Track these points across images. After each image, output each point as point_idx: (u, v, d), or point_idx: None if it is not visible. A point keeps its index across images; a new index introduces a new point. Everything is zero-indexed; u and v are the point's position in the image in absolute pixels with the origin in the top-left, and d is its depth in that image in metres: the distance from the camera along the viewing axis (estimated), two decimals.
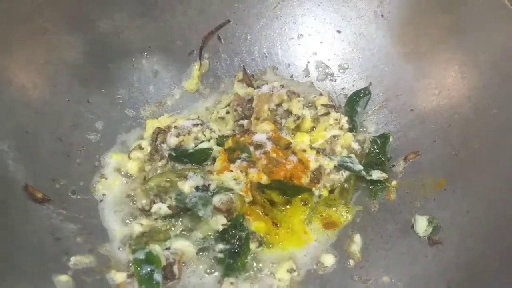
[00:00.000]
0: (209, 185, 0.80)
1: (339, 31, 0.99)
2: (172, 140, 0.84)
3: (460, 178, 0.78)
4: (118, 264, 0.74)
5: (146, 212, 0.78)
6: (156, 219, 0.78)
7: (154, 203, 0.78)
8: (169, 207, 0.77)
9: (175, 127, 0.87)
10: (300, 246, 0.81)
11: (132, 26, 0.95)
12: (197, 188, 0.79)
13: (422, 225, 0.76)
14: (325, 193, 0.85)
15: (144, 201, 0.78)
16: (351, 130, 0.92)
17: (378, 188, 0.86)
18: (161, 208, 0.77)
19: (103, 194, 0.82)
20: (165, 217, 0.78)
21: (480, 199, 0.74)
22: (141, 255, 0.71)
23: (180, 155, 0.84)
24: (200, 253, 0.77)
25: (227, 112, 0.96)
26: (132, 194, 0.81)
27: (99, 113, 0.91)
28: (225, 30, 1.01)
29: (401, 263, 0.74)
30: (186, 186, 0.78)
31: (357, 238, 0.80)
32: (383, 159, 0.87)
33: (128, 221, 0.79)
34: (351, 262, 0.77)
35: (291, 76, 1.02)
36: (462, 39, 0.85)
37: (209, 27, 1.01)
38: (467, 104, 0.83)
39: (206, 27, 1.00)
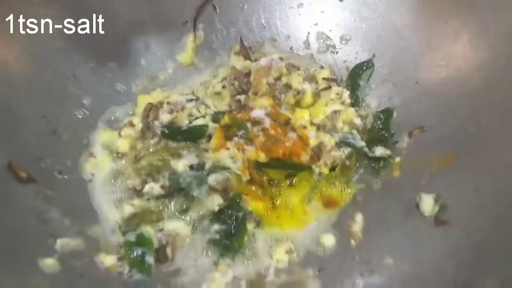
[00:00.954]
0: (204, 163, 0.76)
1: (341, 0, 0.94)
2: (165, 117, 0.80)
3: (469, 154, 0.74)
4: (108, 246, 0.70)
5: (138, 192, 0.74)
6: (148, 199, 0.74)
7: (146, 182, 0.74)
8: (162, 187, 0.74)
9: (168, 103, 0.83)
10: (300, 227, 0.78)
11: None
12: (191, 167, 0.75)
13: (428, 204, 0.72)
14: (325, 171, 0.81)
15: (135, 181, 0.74)
16: (353, 105, 0.87)
17: (381, 165, 0.82)
18: (154, 188, 0.73)
19: (92, 174, 0.78)
20: (158, 198, 0.74)
21: (490, 176, 0.70)
22: (132, 237, 0.68)
23: (174, 133, 0.79)
24: (195, 234, 0.73)
25: (223, 87, 0.91)
26: (123, 174, 0.77)
27: (87, 88, 0.86)
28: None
29: (405, 244, 0.70)
30: (180, 165, 0.74)
31: (359, 217, 0.77)
32: (386, 135, 0.83)
33: (118, 201, 0.75)
34: (352, 242, 0.74)
35: (291, 48, 0.97)
36: (473, 10, 0.80)
37: None
38: (476, 76, 0.78)
39: None
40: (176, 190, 0.74)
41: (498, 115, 0.74)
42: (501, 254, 0.62)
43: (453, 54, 0.82)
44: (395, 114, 0.85)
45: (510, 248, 0.61)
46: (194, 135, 0.80)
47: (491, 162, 0.71)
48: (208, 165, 0.76)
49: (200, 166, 0.76)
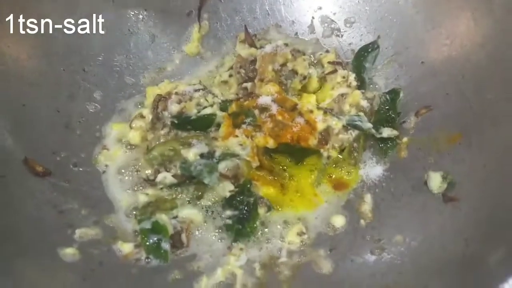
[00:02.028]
0: (214, 151, 0.78)
1: None
2: (174, 107, 0.81)
3: (475, 131, 0.74)
4: (125, 234, 0.72)
5: (151, 182, 0.76)
6: (161, 188, 0.76)
7: (159, 172, 0.76)
8: (174, 176, 0.75)
9: (176, 93, 0.84)
10: (311, 209, 0.79)
11: None
12: (201, 155, 0.77)
13: (436, 181, 0.73)
14: (334, 154, 0.82)
15: (148, 171, 0.76)
16: (359, 87, 0.88)
17: (388, 145, 0.83)
18: (166, 177, 0.75)
19: (106, 165, 0.80)
20: (171, 186, 0.76)
21: (497, 152, 0.70)
22: (147, 225, 0.70)
23: (183, 122, 0.81)
24: (208, 221, 0.75)
25: (230, 75, 0.93)
26: (135, 164, 0.79)
27: (97, 82, 0.88)
28: None
29: (414, 221, 0.71)
30: (191, 154, 0.76)
31: (368, 198, 0.78)
32: (393, 115, 0.84)
33: (133, 191, 0.77)
34: (362, 222, 0.75)
35: (296, 34, 0.98)
36: None
37: None
38: (481, 52, 0.78)
39: None
40: (188, 178, 0.75)
41: (502, 92, 0.74)
42: (508, 226, 0.62)
43: (457, 32, 0.82)
44: (401, 94, 0.86)
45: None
46: (203, 124, 0.81)
47: (497, 138, 0.71)
48: (218, 153, 0.77)
49: (210, 155, 0.77)
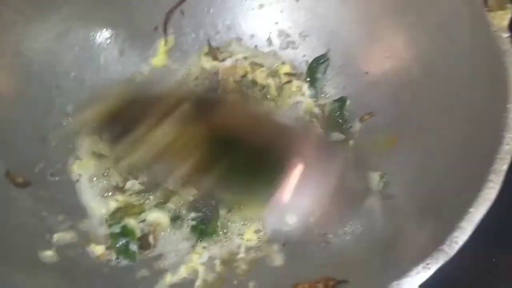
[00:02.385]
0: None
1: (297, 0, 1.02)
2: None
3: (410, 136, 0.83)
4: (97, 237, 0.80)
5: (120, 189, 0.84)
6: (130, 194, 0.84)
7: (128, 180, 0.83)
8: (142, 183, 0.83)
9: None
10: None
11: (95, 8, 0.97)
12: None
13: (374, 181, 0.82)
14: None
15: (117, 179, 0.84)
16: (313, 96, 0.97)
17: None
18: (134, 184, 0.82)
19: (79, 174, 0.87)
20: (139, 192, 0.84)
21: (427, 155, 0.79)
22: (116, 229, 0.78)
23: None
24: (174, 223, 0.83)
25: (196, 86, 1.00)
26: (105, 173, 0.86)
27: (70, 96, 0.94)
28: (187, 5, 1.04)
29: (355, 217, 0.80)
30: None
31: None
32: (340, 121, 0.93)
33: (103, 198, 0.85)
34: (312, 218, 0.84)
35: (255, 46, 1.05)
36: (411, 2, 0.88)
37: (172, 2, 1.03)
38: (417, 66, 0.87)
39: (169, 1, 1.02)
40: (154, 184, 0.83)
41: (434, 103, 0.83)
42: (430, 216, 0.71)
43: (396, 46, 0.91)
44: (348, 102, 0.95)
45: (437, 211, 0.70)
46: None
47: (428, 143, 0.80)
48: None
49: None
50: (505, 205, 0.58)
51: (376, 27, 0.94)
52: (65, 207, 0.83)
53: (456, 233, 0.56)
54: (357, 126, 0.92)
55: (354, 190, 0.86)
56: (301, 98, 0.96)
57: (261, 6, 1.04)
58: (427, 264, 0.56)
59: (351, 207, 0.83)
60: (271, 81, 0.97)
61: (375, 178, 0.82)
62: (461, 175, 0.69)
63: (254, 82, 0.97)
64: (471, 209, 0.57)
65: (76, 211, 0.83)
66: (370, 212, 0.79)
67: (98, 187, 0.86)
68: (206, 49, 1.03)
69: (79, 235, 0.80)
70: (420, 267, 0.57)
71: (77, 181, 0.87)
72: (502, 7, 0.75)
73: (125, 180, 0.84)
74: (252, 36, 1.06)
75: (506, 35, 0.72)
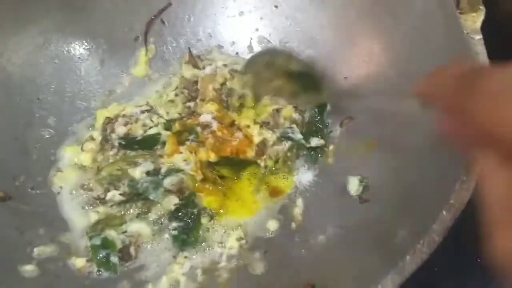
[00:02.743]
0: (160, 168, 0.86)
1: (276, 6, 1.03)
2: (120, 129, 0.89)
3: (388, 139, 0.84)
4: (78, 250, 0.80)
5: (101, 200, 0.84)
6: (112, 205, 0.84)
7: (109, 191, 0.84)
8: (123, 193, 0.83)
9: (123, 115, 0.92)
10: (250, 215, 0.88)
11: (74, 20, 0.98)
12: (148, 173, 0.85)
13: (353, 185, 0.83)
14: (270, 163, 0.91)
15: (99, 190, 0.84)
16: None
17: (318, 153, 0.92)
18: (115, 195, 0.83)
19: (60, 187, 0.87)
20: (120, 203, 0.84)
21: (405, 159, 0.80)
22: (97, 241, 0.78)
23: (129, 143, 0.89)
24: (156, 233, 0.83)
25: (176, 95, 1.01)
26: (86, 185, 0.86)
27: (51, 109, 0.95)
28: (168, 14, 1.05)
29: (334, 221, 0.81)
30: (137, 172, 0.84)
31: (299, 202, 0.87)
32: (321, 126, 0.93)
33: (84, 210, 0.84)
34: (293, 225, 0.85)
35: (237, 53, 1.06)
36: (386, 7, 0.89)
37: (152, 11, 1.03)
38: (394, 69, 0.88)
39: (149, 11, 1.03)
40: (135, 195, 0.84)
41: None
42: (408, 219, 0.71)
43: (374, 50, 0.92)
44: (328, 107, 0.95)
45: (414, 213, 0.70)
46: (148, 144, 0.89)
47: (406, 147, 0.81)
48: (163, 170, 0.86)
49: (156, 171, 0.85)
50: None
51: (354, 32, 0.95)
52: (46, 220, 0.83)
53: (429, 236, 0.57)
54: (337, 130, 0.92)
55: (333, 194, 0.86)
56: (280, 105, 0.96)
57: (241, 13, 1.05)
58: (402, 267, 0.57)
59: (330, 211, 0.84)
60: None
61: (354, 182, 0.83)
62: (435, 176, 0.69)
63: (232, 90, 0.97)
64: (444, 212, 0.57)
65: (57, 224, 0.83)
66: (347, 218, 0.80)
67: (79, 199, 0.86)
68: (186, 58, 1.02)
69: (60, 248, 0.80)
70: (396, 270, 0.57)
71: (58, 193, 0.87)
72: (474, 9, 0.76)
73: (106, 191, 0.84)
74: (233, 43, 1.06)
75: (478, 37, 0.73)
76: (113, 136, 0.89)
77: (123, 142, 0.87)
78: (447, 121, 0.41)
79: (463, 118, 0.37)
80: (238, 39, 1.06)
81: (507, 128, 0.31)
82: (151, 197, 0.81)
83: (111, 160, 0.87)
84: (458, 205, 0.57)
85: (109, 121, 0.90)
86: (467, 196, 0.58)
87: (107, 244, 0.78)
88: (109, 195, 0.82)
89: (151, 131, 0.90)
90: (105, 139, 0.88)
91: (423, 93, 0.49)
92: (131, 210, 0.84)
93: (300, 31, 1.02)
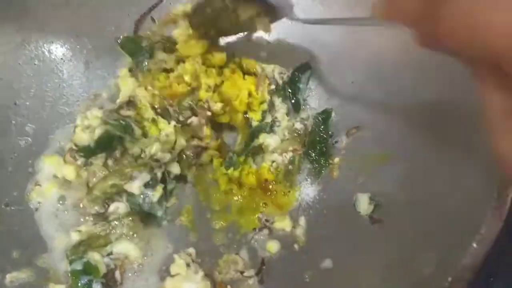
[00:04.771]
0: (156, 174, 0.77)
1: None
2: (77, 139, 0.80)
3: (400, 152, 0.77)
4: (57, 275, 0.72)
5: (102, 214, 0.75)
6: (95, 224, 0.76)
7: (108, 205, 0.75)
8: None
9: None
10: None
11: (56, 17, 0.89)
12: (146, 185, 0.76)
13: (363, 203, 0.76)
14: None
15: (96, 207, 0.75)
16: (294, 108, 0.90)
17: (322, 166, 0.84)
18: (119, 206, 0.74)
19: (39, 202, 0.79)
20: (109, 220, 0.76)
21: (421, 173, 0.72)
22: (78, 266, 0.70)
23: (86, 151, 0.79)
24: (146, 257, 0.75)
25: None
26: (70, 200, 0.78)
27: (29, 115, 0.86)
28: (158, 11, 0.96)
29: (343, 245, 0.73)
30: (134, 187, 0.75)
31: (302, 220, 0.80)
32: (325, 136, 0.86)
33: (66, 228, 0.76)
34: (296, 246, 0.77)
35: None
36: None
37: (142, 8, 0.95)
38: (406, 73, 0.81)
39: (139, 8, 0.95)
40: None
41: (427, 113, 0.76)
42: (431, 248, 0.65)
43: (383, 52, 0.84)
44: (333, 114, 0.88)
45: (436, 237, 0.63)
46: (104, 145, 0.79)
47: (420, 159, 0.73)
48: (159, 174, 0.77)
49: (154, 180, 0.76)
50: None
51: (362, 33, 0.86)
52: (21, 241, 0.75)
53: (459, 272, 0.49)
54: (343, 141, 0.85)
55: (340, 213, 0.79)
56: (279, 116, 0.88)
57: None
58: None
59: (337, 233, 0.77)
60: None
61: (364, 200, 0.75)
62: (461, 199, 0.62)
63: None
64: (474, 244, 0.49)
65: (34, 245, 0.75)
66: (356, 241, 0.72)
67: (60, 217, 0.77)
68: None
69: (36, 273, 0.72)
70: None
71: (36, 210, 0.79)
72: None
73: (105, 204, 0.75)
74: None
75: None
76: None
77: (81, 154, 0.78)
78: (422, 37, 0.42)
79: (438, 30, 0.36)
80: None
81: (496, 31, 0.30)
82: (158, 215, 0.74)
83: (98, 173, 0.78)
84: (489, 236, 0.49)
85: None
86: (499, 225, 0.50)
87: (89, 269, 0.70)
88: (113, 207, 0.74)
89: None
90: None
91: (388, 15, 0.46)
92: (117, 229, 0.76)
93: (302, 31, 0.93)
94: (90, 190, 0.77)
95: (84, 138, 0.78)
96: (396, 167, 0.76)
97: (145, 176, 0.76)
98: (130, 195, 0.75)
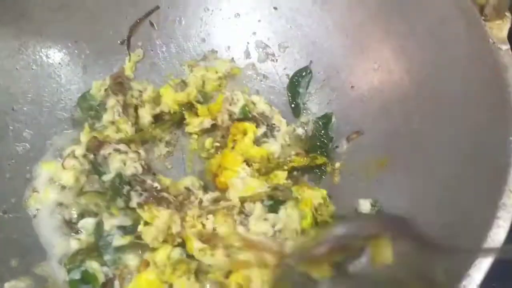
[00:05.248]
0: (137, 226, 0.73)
1: (275, 8, 0.95)
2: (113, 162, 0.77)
3: (401, 157, 0.76)
4: (56, 284, 0.71)
5: (72, 224, 0.74)
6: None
7: (83, 217, 0.74)
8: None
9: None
10: None
11: (53, 21, 0.88)
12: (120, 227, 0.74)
13: (365, 209, 0.75)
14: None
15: (72, 213, 0.74)
16: (294, 112, 0.90)
17: (323, 171, 0.84)
18: (88, 222, 0.73)
19: (37, 209, 0.78)
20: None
21: (422, 178, 0.72)
22: (76, 275, 0.69)
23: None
24: None
25: None
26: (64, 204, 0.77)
27: (26, 120, 0.85)
28: (157, 15, 0.96)
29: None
30: (109, 223, 0.73)
31: None
32: (325, 141, 0.85)
33: (65, 236, 0.75)
34: None
35: (232, 59, 0.97)
36: (398, 9, 0.81)
37: (141, 13, 0.95)
38: (406, 78, 0.80)
39: (138, 12, 0.94)
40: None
41: (428, 117, 0.76)
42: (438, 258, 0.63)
43: (384, 56, 0.84)
44: (333, 119, 0.87)
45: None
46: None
47: (422, 163, 0.73)
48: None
49: (131, 229, 0.74)
50: None
51: (362, 36, 0.87)
52: (19, 249, 0.74)
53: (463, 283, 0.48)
54: (343, 146, 0.84)
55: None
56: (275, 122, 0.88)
57: (237, 15, 0.96)
58: None
59: None
60: None
61: (365, 206, 0.74)
62: (462, 204, 0.61)
63: None
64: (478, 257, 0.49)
65: (32, 253, 0.74)
66: None
67: (58, 223, 0.76)
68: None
69: (35, 281, 0.71)
70: None
71: (34, 217, 0.78)
72: (500, 16, 0.68)
73: (80, 216, 0.74)
74: (228, 48, 0.98)
75: (506, 47, 0.65)
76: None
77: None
78: None
79: None
80: (234, 43, 0.98)
81: None
82: (104, 257, 0.72)
83: (96, 185, 0.77)
84: (494, 244, 0.48)
85: (96, 142, 0.80)
86: (504, 233, 0.49)
87: (88, 278, 0.69)
88: (81, 222, 0.73)
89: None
90: (89, 161, 0.78)
91: None
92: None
93: (301, 35, 0.94)
94: (80, 194, 0.76)
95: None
96: (397, 172, 0.75)
97: (126, 220, 0.74)
98: (99, 224, 0.74)
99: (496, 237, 0.50)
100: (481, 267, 0.48)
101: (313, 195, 0.74)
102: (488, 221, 0.51)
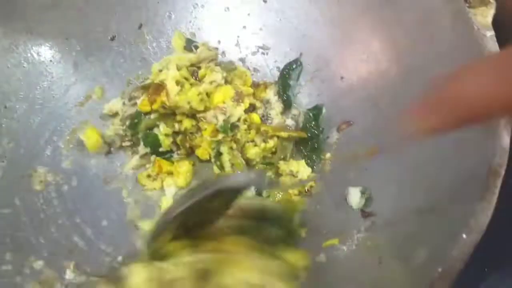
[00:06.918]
0: None
1: (265, 1, 0.95)
2: None
3: (389, 145, 0.76)
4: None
5: None
6: None
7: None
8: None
9: None
10: None
11: (44, 19, 0.89)
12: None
13: (355, 197, 0.76)
14: None
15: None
16: (285, 104, 0.90)
17: (313, 160, 0.85)
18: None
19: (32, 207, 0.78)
20: None
21: (411, 167, 0.73)
22: None
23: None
24: None
25: None
26: None
27: (19, 118, 0.86)
28: (147, 11, 0.96)
29: (334, 237, 0.73)
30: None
31: (296, 215, 0.80)
32: (316, 132, 0.86)
33: None
34: None
35: (223, 53, 0.98)
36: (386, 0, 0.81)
37: (128, 9, 0.95)
38: (394, 68, 0.81)
39: (125, 9, 0.95)
40: None
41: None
42: (421, 234, 0.64)
43: (372, 47, 0.84)
44: (324, 110, 0.88)
45: (426, 228, 0.63)
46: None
47: (410, 152, 0.73)
48: None
49: None
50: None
51: (351, 27, 0.87)
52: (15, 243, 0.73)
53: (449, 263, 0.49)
54: (334, 136, 0.85)
55: (333, 208, 0.79)
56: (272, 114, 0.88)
57: (227, 9, 0.97)
58: None
59: (330, 225, 0.76)
60: None
61: (355, 194, 0.75)
62: (449, 190, 0.62)
63: None
64: (464, 235, 0.50)
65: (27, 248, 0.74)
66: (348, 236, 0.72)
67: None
68: None
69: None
70: None
71: (29, 214, 0.78)
72: (484, 3, 0.68)
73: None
74: (218, 42, 0.98)
75: (490, 33, 0.66)
76: None
77: None
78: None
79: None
80: (224, 37, 0.98)
81: None
82: None
83: None
84: (479, 226, 0.49)
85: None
86: (488, 215, 0.50)
87: None
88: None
89: None
90: None
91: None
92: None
93: (291, 27, 0.95)
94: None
95: None
96: (386, 161, 0.75)
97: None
98: None
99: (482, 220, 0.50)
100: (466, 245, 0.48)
101: None
102: (474, 204, 0.52)
